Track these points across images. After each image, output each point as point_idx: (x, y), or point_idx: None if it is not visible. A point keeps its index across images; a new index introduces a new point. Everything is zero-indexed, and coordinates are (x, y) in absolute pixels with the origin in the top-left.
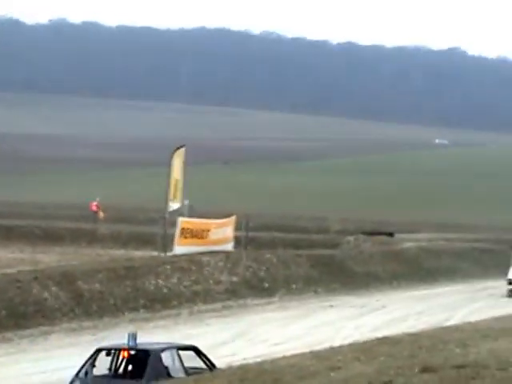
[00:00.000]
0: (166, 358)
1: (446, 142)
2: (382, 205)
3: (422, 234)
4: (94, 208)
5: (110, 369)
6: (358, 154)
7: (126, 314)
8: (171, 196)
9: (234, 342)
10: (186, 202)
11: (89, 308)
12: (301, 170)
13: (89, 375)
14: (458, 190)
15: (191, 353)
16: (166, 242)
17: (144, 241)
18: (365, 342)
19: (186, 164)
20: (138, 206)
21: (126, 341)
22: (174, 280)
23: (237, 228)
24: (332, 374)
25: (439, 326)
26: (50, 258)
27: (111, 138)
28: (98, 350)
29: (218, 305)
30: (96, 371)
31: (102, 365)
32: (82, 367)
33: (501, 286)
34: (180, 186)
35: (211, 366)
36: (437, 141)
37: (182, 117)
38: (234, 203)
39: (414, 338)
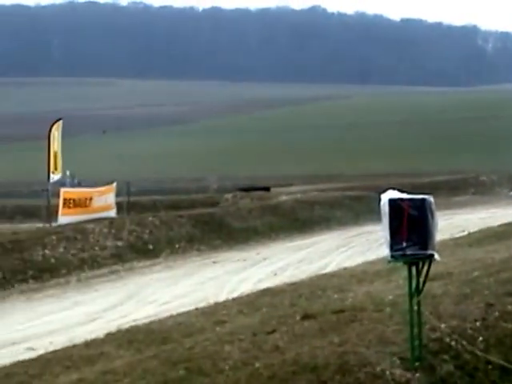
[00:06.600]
0: None
1: None
2: (257, 162)
3: (296, 187)
4: None
5: None
6: (228, 114)
7: (15, 285)
8: (52, 168)
9: (122, 305)
10: (68, 173)
11: None
12: (175, 133)
13: None
14: (328, 142)
15: None
16: (50, 214)
17: (29, 213)
18: (248, 295)
19: (65, 135)
20: (20, 180)
21: None
22: (61, 249)
23: (118, 194)
24: (218, 329)
25: (317, 273)
26: None
27: None
28: None
29: (105, 270)
30: None
31: None
32: None
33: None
34: (59, 157)
35: None
36: None
37: (56, 90)
38: (115, 170)
39: (294, 287)
